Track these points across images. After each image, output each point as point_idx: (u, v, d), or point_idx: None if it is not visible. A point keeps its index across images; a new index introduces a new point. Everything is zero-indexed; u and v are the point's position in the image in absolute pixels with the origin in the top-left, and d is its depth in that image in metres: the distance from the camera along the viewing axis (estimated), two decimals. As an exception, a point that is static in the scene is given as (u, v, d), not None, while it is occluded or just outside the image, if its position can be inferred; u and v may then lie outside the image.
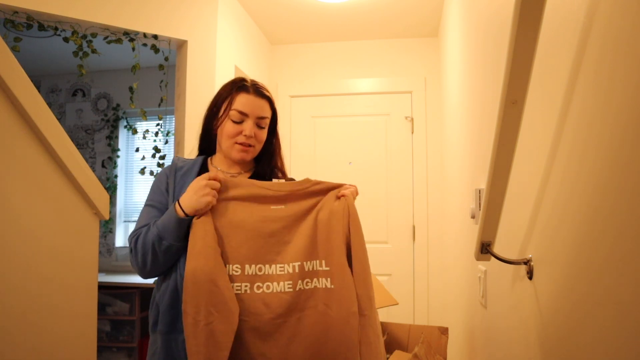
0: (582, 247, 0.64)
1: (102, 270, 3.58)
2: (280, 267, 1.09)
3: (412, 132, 3.16)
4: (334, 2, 2.65)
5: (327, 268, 1.09)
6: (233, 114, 1.20)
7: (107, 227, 3.75)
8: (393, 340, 1.90)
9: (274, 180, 1.16)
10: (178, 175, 1.23)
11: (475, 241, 1.00)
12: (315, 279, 1.09)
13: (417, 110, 3.16)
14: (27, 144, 1.59)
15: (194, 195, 1.07)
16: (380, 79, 3.21)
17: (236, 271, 1.07)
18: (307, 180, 1.16)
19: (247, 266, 1.08)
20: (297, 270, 1.09)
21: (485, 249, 0.98)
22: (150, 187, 1.26)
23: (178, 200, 1.09)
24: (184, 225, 1.08)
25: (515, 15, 0.66)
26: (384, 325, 1.94)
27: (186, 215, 1.07)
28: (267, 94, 1.26)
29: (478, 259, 1.02)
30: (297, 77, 3.29)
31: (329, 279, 1.08)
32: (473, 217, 1.51)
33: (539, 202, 0.84)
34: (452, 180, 2.43)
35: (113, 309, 3.19)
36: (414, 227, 3.10)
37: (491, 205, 0.91)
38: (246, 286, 1.07)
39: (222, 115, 1.23)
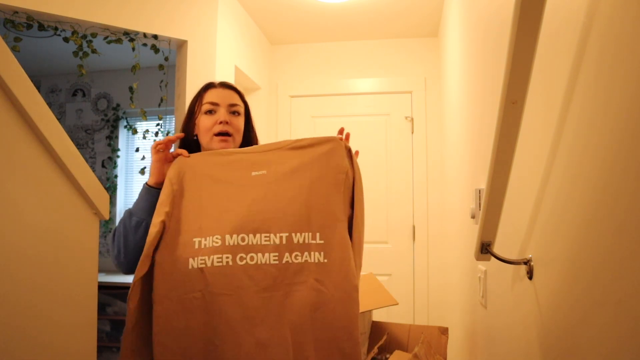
0: (582, 247, 0.64)
1: (102, 270, 3.58)
2: (266, 237, 1.00)
3: (412, 132, 3.16)
4: (334, 2, 2.65)
5: (322, 242, 1.01)
6: (205, 107, 1.23)
7: (107, 227, 3.75)
8: (393, 340, 1.89)
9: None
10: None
11: (475, 241, 1.00)
12: (306, 253, 1.01)
13: (417, 110, 3.16)
14: (27, 144, 1.59)
15: (151, 169, 1.13)
16: (380, 79, 3.21)
17: (216, 242, 0.99)
18: (286, 140, 1.10)
19: (227, 236, 1.00)
20: (284, 242, 1.00)
21: (485, 249, 0.98)
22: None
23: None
24: (150, 196, 1.11)
25: (515, 15, 0.66)
26: (384, 325, 1.94)
27: (149, 185, 1.12)
28: (234, 86, 1.30)
29: (478, 259, 1.02)
30: (297, 77, 3.29)
31: (322, 253, 1.00)
32: (473, 217, 1.51)
33: (539, 202, 0.84)
34: (452, 180, 2.43)
35: (113, 309, 3.19)
36: (414, 227, 3.10)
37: (491, 205, 0.91)
38: (227, 257, 0.99)
39: (196, 116, 1.25)
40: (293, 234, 1.01)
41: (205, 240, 1.00)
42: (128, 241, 1.10)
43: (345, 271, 0.99)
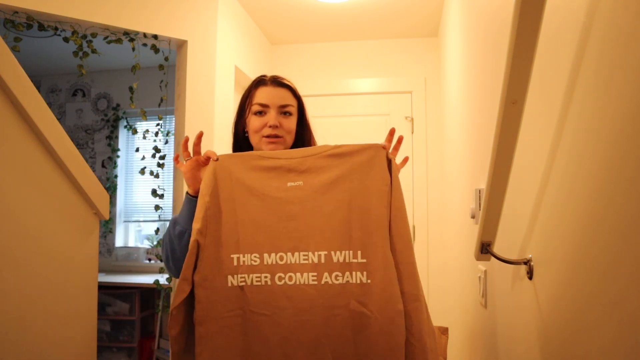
0: (582, 247, 0.64)
1: (102, 270, 3.58)
2: (304, 255, 0.96)
3: (412, 132, 3.16)
4: (334, 2, 2.65)
5: (364, 260, 0.94)
6: (254, 107, 1.18)
7: (107, 227, 3.75)
8: (393, 340, 1.89)
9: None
10: None
11: (475, 241, 1.00)
12: (347, 273, 0.95)
13: (417, 110, 3.16)
14: (27, 144, 1.59)
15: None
16: (380, 79, 3.21)
17: (255, 261, 0.96)
18: (325, 146, 1.02)
19: (265, 255, 0.96)
20: (322, 261, 0.95)
21: (485, 249, 0.98)
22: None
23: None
24: (191, 206, 1.07)
25: (515, 15, 0.66)
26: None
27: (189, 194, 1.10)
28: (287, 82, 1.23)
29: (478, 259, 1.02)
30: (297, 77, 3.27)
31: (365, 273, 0.94)
32: (473, 217, 1.51)
33: (539, 202, 0.84)
34: (452, 180, 2.43)
35: (113, 309, 3.19)
36: (414, 227, 3.10)
37: (491, 205, 0.91)
38: (266, 277, 0.95)
39: (246, 115, 1.21)
40: (332, 252, 0.95)
41: (244, 257, 0.97)
42: (174, 249, 1.10)
43: (389, 293, 0.92)
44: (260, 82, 1.21)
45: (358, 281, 0.94)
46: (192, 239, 0.98)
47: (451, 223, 2.52)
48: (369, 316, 0.92)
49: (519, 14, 0.65)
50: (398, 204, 0.98)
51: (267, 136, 1.16)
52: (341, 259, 0.95)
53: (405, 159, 1.22)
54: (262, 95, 1.18)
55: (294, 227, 0.97)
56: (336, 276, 0.94)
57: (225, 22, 2.52)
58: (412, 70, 3.18)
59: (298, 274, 0.95)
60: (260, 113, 1.17)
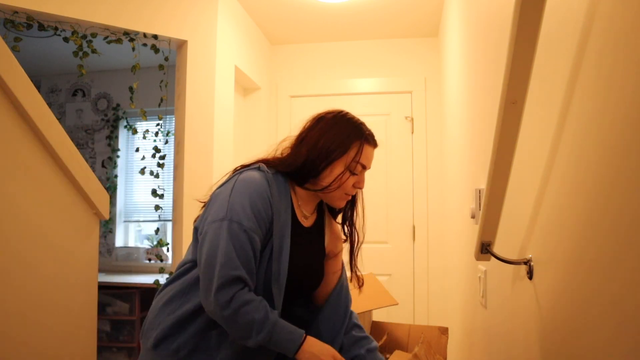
0: (582, 247, 0.64)
1: (102, 270, 3.58)
2: None
3: (412, 132, 3.16)
4: (334, 2, 2.65)
5: None
6: (357, 167, 1.11)
7: (107, 227, 3.75)
8: (393, 340, 1.89)
9: None
10: (274, 200, 1.06)
11: (475, 241, 1.00)
12: None
13: (417, 110, 3.16)
14: (27, 144, 1.59)
15: (312, 353, 1.01)
16: (380, 79, 3.21)
17: None
18: None
19: None
20: None
21: (485, 249, 0.98)
22: (241, 201, 1.02)
23: (304, 341, 1.01)
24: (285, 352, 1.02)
25: (515, 15, 0.66)
26: (384, 325, 1.94)
27: (294, 356, 1.01)
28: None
29: (478, 259, 1.02)
30: (297, 77, 3.29)
31: None
32: (473, 217, 1.51)
33: (539, 202, 0.84)
34: (452, 180, 2.43)
35: (113, 309, 3.19)
36: (414, 227, 3.10)
37: (491, 205, 0.91)
38: None
39: (339, 159, 1.10)
40: None
41: None
42: (237, 334, 1.01)
43: None
44: (365, 138, 1.14)
45: None
46: None
47: (451, 223, 2.52)
48: None
49: (519, 14, 0.65)
50: None
51: (347, 194, 1.14)
52: None
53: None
54: (367, 156, 1.14)
55: None
56: None
57: (225, 22, 2.52)
58: (412, 70, 3.18)
59: None
60: (355, 174, 1.12)
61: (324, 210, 1.26)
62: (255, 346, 0.99)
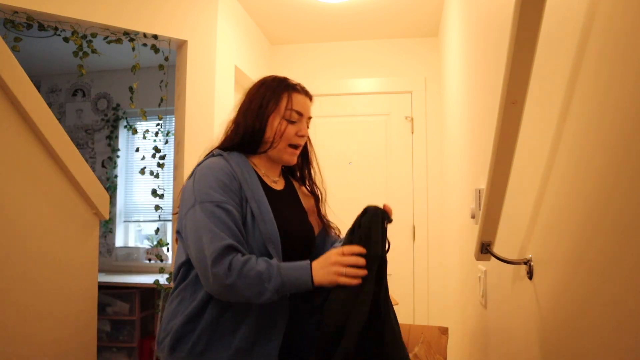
0: (582, 247, 0.64)
1: (102, 270, 3.58)
2: None
3: (412, 132, 3.16)
4: (334, 2, 2.65)
5: None
6: (292, 114, 1.16)
7: (107, 227, 3.75)
8: (393, 340, 1.89)
9: None
10: (240, 177, 1.09)
11: (475, 241, 1.00)
12: None
13: (417, 110, 3.16)
14: (27, 144, 1.59)
15: (322, 269, 1.00)
16: (380, 79, 3.21)
17: None
18: None
19: None
20: None
21: (485, 249, 0.98)
22: (205, 183, 1.05)
23: (312, 264, 1.01)
24: (304, 291, 1.01)
25: (515, 15, 0.66)
26: (384, 325, 1.94)
27: (313, 285, 0.99)
28: (312, 95, 1.26)
29: (478, 259, 1.02)
30: (297, 77, 3.26)
31: None
32: (473, 217, 1.51)
33: (539, 202, 0.84)
34: (452, 180, 2.43)
35: (113, 309, 3.19)
36: (414, 227, 3.10)
37: (491, 205, 0.91)
38: None
39: (274, 114, 1.15)
40: None
41: None
42: (253, 297, 0.99)
43: None
44: (292, 87, 1.20)
45: None
46: None
47: (451, 223, 2.53)
48: None
49: (519, 14, 0.65)
50: None
51: (294, 145, 1.17)
52: None
53: None
54: (299, 103, 1.18)
55: None
56: None
57: (225, 22, 2.52)
58: (412, 70, 3.18)
59: None
60: (293, 122, 1.17)
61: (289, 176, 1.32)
62: (273, 298, 0.98)
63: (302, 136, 1.18)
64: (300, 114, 1.18)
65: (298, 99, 1.18)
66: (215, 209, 1.01)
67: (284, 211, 1.15)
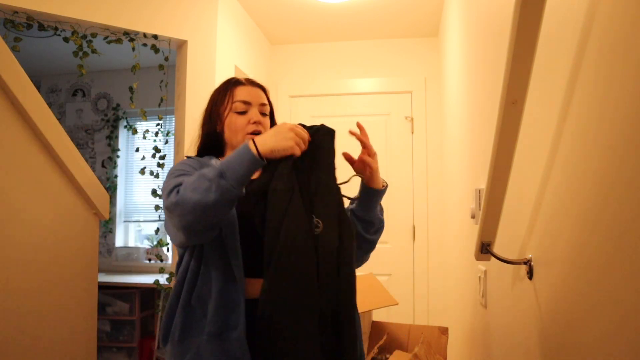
0: (582, 247, 0.64)
1: (102, 270, 3.58)
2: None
3: (412, 132, 3.16)
4: (334, 2, 2.65)
5: None
6: (237, 105, 1.19)
7: (107, 227, 3.75)
8: (393, 340, 1.89)
9: None
10: (207, 163, 1.15)
11: (475, 241, 1.00)
12: None
13: (417, 110, 3.16)
14: (27, 144, 1.59)
15: (274, 136, 0.97)
16: (380, 79, 3.21)
17: None
18: None
19: None
20: None
21: (485, 249, 0.98)
22: (173, 169, 1.11)
23: (253, 139, 0.98)
24: (253, 168, 0.95)
25: (515, 15, 0.66)
26: (384, 325, 1.94)
27: (259, 156, 0.94)
28: (262, 84, 1.28)
29: (478, 259, 1.02)
30: (297, 77, 3.29)
31: None
32: (473, 217, 1.51)
33: (539, 202, 0.84)
34: (452, 180, 2.43)
35: (113, 309, 3.19)
36: (414, 227, 3.10)
37: (491, 205, 0.91)
38: None
39: (225, 113, 1.21)
40: None
41: None
42: (207, 207, 0.93)
43: None
44: (234, 82, 1.24)
45: None
46: None
47: (451, 223, 2.53)
48: None
49: (519, 14, 0.65)
50: None
51: (252, 133, 1.18)
52: None
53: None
54: (243, 93, 1.21)
55: None
56: None
57: (225, 22, 2.52)
58: (412, 70, 3.18)
59: None
60: (242, 113, 1.20)
61: None
62: (225, 187, 0.92)
63: (255, 122, 1.19)
64: (246, 103, 1.20)
65: (241, 91, 1.21)
66: (178, 175, 1.05)
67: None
